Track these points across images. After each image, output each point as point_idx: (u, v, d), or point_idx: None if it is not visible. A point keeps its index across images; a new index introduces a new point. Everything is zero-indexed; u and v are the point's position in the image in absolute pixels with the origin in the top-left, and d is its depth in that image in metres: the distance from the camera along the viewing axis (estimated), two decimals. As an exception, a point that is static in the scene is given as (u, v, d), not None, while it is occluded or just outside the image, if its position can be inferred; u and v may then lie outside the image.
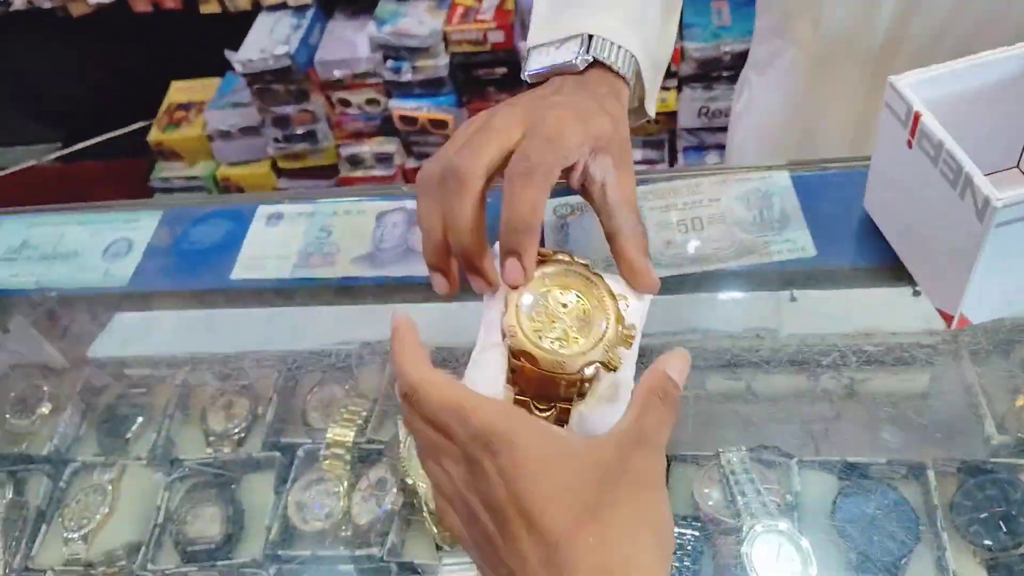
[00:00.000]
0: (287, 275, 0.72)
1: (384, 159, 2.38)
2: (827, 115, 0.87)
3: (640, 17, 0.62)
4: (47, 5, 2.36)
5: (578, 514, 0.38)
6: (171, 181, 2.52)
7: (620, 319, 0.49)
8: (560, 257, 0.52)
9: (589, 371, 0.47)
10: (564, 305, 0.50)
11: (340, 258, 0.71)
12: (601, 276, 0.52)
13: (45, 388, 0.81)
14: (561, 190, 0.73)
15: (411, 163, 2.39)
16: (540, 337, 0.48)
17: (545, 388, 0.48)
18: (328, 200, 0.76)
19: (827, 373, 0.65)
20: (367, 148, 2.37)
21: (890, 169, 0.61)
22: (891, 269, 0.62)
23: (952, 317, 0.61)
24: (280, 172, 2.48)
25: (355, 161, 2.39)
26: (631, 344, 0.50)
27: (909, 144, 0.56)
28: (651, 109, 0.65)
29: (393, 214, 0.73)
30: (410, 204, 0.74)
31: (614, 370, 0.48)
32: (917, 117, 0.55)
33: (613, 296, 0.50)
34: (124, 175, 2.65)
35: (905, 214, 0.62)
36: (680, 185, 0.67)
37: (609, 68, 0.58)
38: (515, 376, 0.49)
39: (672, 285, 0.61)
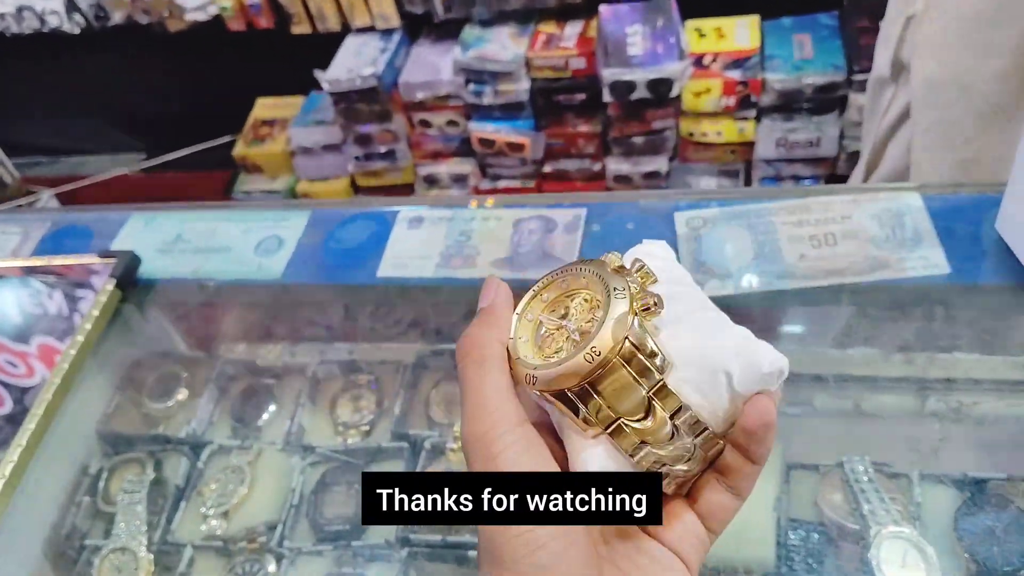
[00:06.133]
0: (429, 275, 0.76)
1: (459, 179, 2.43)
2: None
3: None
4: (144, 20, 2.46)
5: None
6: (252, 195, 2.60)
7: (636, 292, 0.38)
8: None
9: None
10: (565, 315, 0.40)
11: (480, 260, 0.75)
12: (603, 261, 0.40)
13: (183, 374, 0.86)
14: (693, 202, 0.76)
15: (485, 184, 2.44)
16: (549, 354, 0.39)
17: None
18: (465, 207, 0.81)
19: (951, 391, 0.67)
20: (444, 168, 2.43)
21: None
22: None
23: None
24: (357, 189, 2.55)
25: (431, 180, 2.45)
26: (656, 310, 0.37)
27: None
28: None
29: (529, 222, 0.77)
30: (545, 212, 0.78)
31: (642, 350, 0.36)
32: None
33: (618, 270, 0.39)
34: (206, 186, 2.73)
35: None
36: (811, 202, 0.70)
37: None
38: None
39: (808, 297, 0.64)
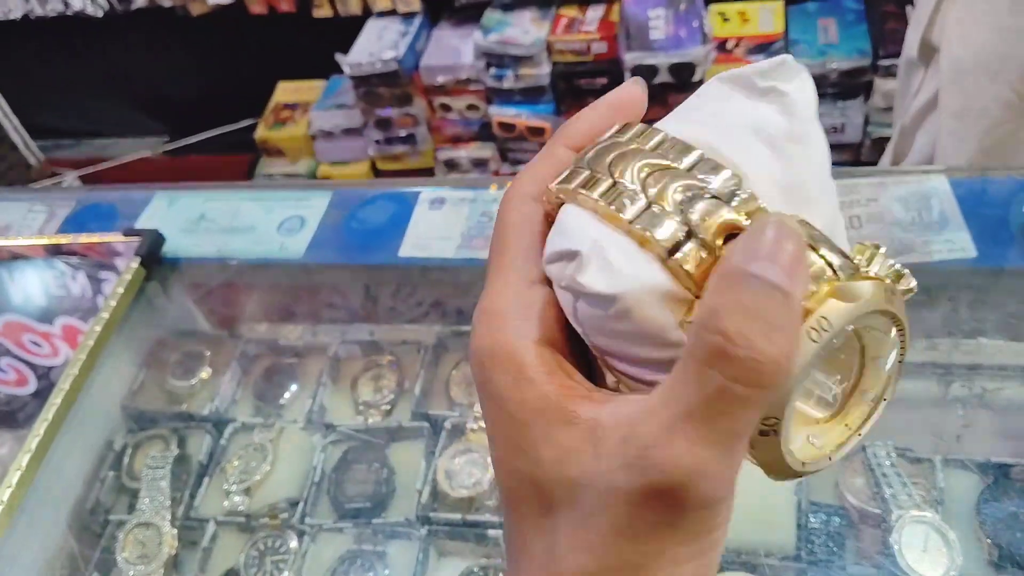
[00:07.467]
0: (451, 255, 0.76)
1: (480, 164, 2.43)
2: None
3: None
4: (167, 3, 2.47)
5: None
6: (273, 177, 2.61)
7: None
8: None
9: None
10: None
11: (501, 241, 0.75)
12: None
13: (206, 353, 0.87)
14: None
15: (505, 168, 2.43)
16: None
17: None
18: (486, 188, 0.81)
19: (976, 376, 0.66)
20: (464, 152, 2.43)
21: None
22: (1051, 273, 0.64)
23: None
24: (378, 172, 2.55)
25: (451, 165, 2.45)
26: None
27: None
28: None
29: (551, 202, 0.77)
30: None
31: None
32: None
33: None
34: (228, 169, 2.74)
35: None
36: (836, 185, 0.69)
37: None
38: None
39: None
